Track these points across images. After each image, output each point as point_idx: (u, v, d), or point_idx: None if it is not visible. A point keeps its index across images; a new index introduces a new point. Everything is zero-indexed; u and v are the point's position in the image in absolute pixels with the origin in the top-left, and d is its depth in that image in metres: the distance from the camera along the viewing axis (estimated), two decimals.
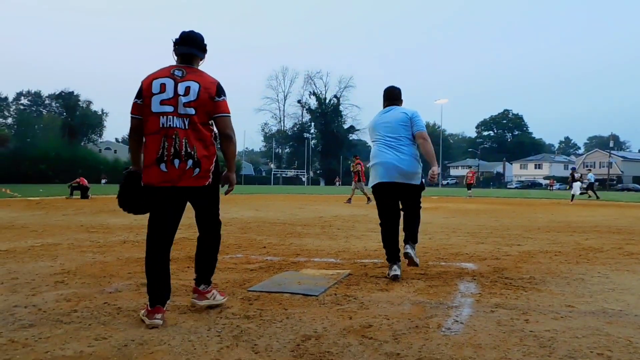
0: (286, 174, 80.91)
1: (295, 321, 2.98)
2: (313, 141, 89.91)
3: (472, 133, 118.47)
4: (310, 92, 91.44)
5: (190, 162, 3.01)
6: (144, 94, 3.05)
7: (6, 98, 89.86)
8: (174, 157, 2.99)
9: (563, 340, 2.67)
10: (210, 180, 3.11)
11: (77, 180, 19.74)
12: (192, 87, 3.02)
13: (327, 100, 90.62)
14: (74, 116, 77.07)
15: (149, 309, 2.94)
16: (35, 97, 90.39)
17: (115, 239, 6.77)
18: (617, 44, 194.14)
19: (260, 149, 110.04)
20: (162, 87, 3.01)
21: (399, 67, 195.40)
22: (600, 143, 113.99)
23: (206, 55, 3.28)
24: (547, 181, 69.73)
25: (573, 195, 22.39)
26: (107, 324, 2.89)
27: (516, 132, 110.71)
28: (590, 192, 26.18)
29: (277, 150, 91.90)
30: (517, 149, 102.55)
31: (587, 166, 63.08)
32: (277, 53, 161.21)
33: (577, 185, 22.55)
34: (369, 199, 16.91)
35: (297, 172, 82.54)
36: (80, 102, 79.11)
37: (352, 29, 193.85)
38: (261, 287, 3.85)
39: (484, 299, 3.59)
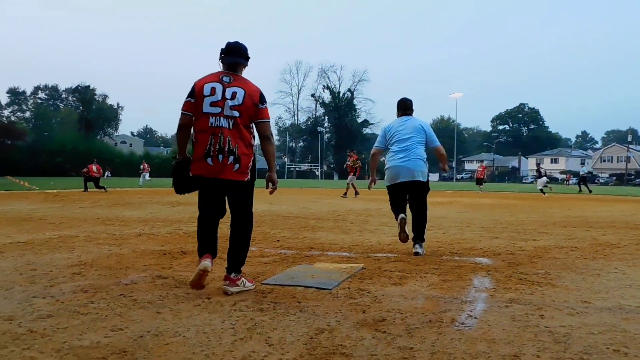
0: (300, 168, 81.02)
1: (308, 314, 2.99)
2: (327, 135, 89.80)
3: (487, 127, 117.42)
4: (324, 85, 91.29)
5: (231, 157, 3.41)
6: (196, 94, 3.45)
7: (24, 92, 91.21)
8: (219, 152, 3.40)
9: (578, 337, 2.65)
10: (248, 176, 3.52)
11: (86, 169, 19.10)
12: (238, 92, 3.44)
13: (341, 94, 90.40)
14: (90, 110, 77.86)
15: (199, 258, 3.43)
16: (52, 91, 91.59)
17: (131, 232, 6.85)
18: (637, 36, 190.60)
19: (274, 143, 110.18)
20: (212, 91, 3.42)
21: (413, 61, 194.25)
22: (618, 137, 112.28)
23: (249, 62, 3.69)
24: (564, 176, 68.90)
25: (542, 190, 23.08)
26: (123, 315, 2.93)
27: (532, 126, 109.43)
28: (583, 186, 26.87)
29: (290, 144, 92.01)
30: (533, 144, 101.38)
31: (604, 160, 62.14)
32: (290, 47, 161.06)
33: (541, 181, 23.49)
34: (357, 192, 17.19)
35: (311, 166, 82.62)
36: (96, 96, 79.87)
37: (367, 23, 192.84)
38: (275, 280, 3.87)
39: (498, 294, 3.57)
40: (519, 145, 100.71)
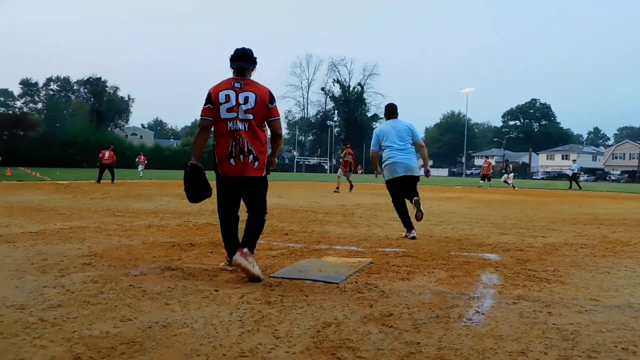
0: (309, 162, 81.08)
1: (315, 308, 3.01)
2: (336, 129, 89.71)
3: (497, 122, 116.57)
4: (334, 79, 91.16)
5: (251, 157, 3.78)
6: (213, 102, 3.76)
7: (36, 83, 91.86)
8: (240, 153, 3.75)
9: (587, 334, 2.63)
10: (264, 172, 3.90)
11: (100, 154, 18.91)
12: (250, 97, 3.76)
13: (351, 88, 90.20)
14: (102, 102, 78.37)
15: (229, 259, 3.90)
16: (64, 83, 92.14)
17: (141, 223, 6.90)
18: None
19: (283, 137, 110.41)
20: (227, 98, 3.75)
21: (423, 56, 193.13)
22: (631, 134, 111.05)
23: (256, 66, 3.98)
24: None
25: (513, 186, 24.95)
26: (132, 306, 2.96)
27: (543, 122, 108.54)
28: (574, 182, 27.95)
29: (300, 138, 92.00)
30: (544, 139, 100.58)
31: (616, 157, 61.52)
32: (301, 40, 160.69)
33: (507, 176, 25.54)
34: (352, 186, 17.11)
35: (320, 160, 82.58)
36: (107, 88, 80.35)
37: (378, 16, 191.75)
38: (283, 274, 3.88)
39: (506, 291, 3.56)
40: (530, 141, 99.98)
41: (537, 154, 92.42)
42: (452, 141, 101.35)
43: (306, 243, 5.53)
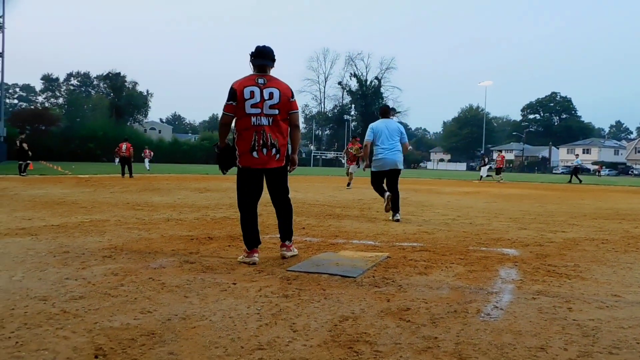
0: (326, 156, 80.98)
1: (333, 302, 3.01)
2: (353, 123, 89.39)
3: (517, 116, 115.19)
4: (351, 73, 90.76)
5: (274, 150, 4.01)
6: (238, 98, 3.92)
7: (57, 79, 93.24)
8: (263, 146, 3.97)
9: (608, 330, 2.60)
10: (284, 162, 4.14)
11: (117, 148, 18.95)
12: (274, 92, 3.98)
13: (368, 82, 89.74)
14: (121, 97, 79.16)
15: (247, 251, 4.01)
16: (84, 78, 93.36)
17: (160, 217, 6.97)
18: None
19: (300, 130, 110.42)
20: (252, 94, 3.93)
21: (441, 49, 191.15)
22: None
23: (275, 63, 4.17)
24: (595, 167, 67.13)
25: (481, 176, 27.02)
26: (152, 298, 2.99)
27: (564, 116, 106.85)
28: (574, 177, 28.34)
29: (317, 132, 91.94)
30: (565, 133, 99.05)
31: (638, 151, 60.36)
32: (318, 34, 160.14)
33: (484, 169, 27.22)
34: (349, 183, 16.37)
35: (337, 154, 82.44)
36: (126, 83, 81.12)
37: (395, 10, 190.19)
38: (300, 268, 3.89)
39: (525, 286, 3.52)
40: (550, 135, 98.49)
41: (558, 148, 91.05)
42: (471, 135, 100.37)
43: (323, 237, 5.54)
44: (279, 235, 4.41)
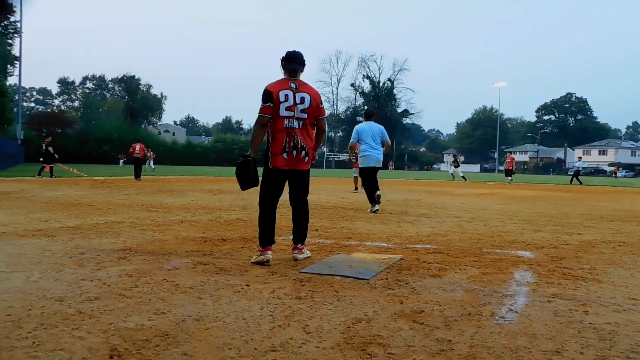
0: (339, 158, 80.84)
1: (346, 304, 3.00)
2: None
3: (531, 117, 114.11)
4: (363, 75, 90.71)
5: (303, 152, 4.18)
6: (274, 100, 4.06)
7: (73, 82, 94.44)
8: (293, 148, 4.13)
9: (625, 334, 2.56)
10: (310, 165, 4.32)
11: (131, 149, 18.78)
12: (305, 97, 4.17)
13: (381, 84, 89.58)
14: (135, 99, 80.00)
15: (261, 249, 4.07)
16: (100, 81, 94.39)
17: (174, 218, 7.02)
18: None
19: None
20: (286, 97, 4.10)
21: (454, 50, 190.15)
22: None
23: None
24: (612, 168, 66.26)
25: (453, 175, 28.46)
26: (166, 299, 3.01)
27: (579, 117, 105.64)
28: (575, 179, 28.57)
29: (329, 134, 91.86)
30: (580, 134, 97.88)
31: None
32: (330, 36, 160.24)
33: (456, 170, 28.58)
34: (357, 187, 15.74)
35: (350, 156, 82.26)
36: (140, 86, 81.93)
37: (408, 10, 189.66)
38: (313, 269, 3.89)
39: (540, 289, 3.48)
40: (565, 136, 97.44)
41: (573, 149, 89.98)
42: (484, 136, 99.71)
43: (336, 239, 5.54)
44: (291, 237, 4.42)
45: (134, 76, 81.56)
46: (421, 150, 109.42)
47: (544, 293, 3.36)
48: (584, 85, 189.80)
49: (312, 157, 4.30)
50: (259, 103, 4.11)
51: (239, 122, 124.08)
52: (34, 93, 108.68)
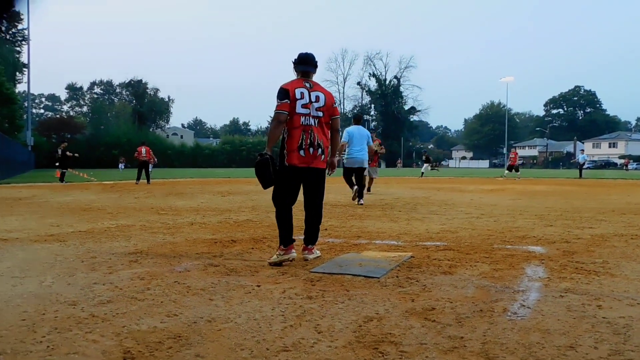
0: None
1: (357, 302, 3.00)
2: (373, 123, 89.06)
3: (539, 111, 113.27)
4: (369, 73, 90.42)
5: (319, 150, 4.19)
6: (291, 97, 4.07)
7: (81, 87, 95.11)
8: (310, 146, 4.14)
9: (639, 328, 2.54)
10: (326, 164, 4.34)
11: (136, 153, 18.49)
12: (320, 96, 4.21)
13: (387, 82, 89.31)
14: (143, 103, 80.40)
15: (284, 248, 4.10)
16: (107, 86, 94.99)
17: (184, 221, 7.05)
18: None
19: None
20: (302, 95, 4.12)
21: (461, 45, 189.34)
22: None
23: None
24: (623, 160, 65.61)
25: (422, 173, 29.36)
26: (178, 301, 3.03)
27: (588, 110, 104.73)
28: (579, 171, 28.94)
29: None
30: (590, 127, 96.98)
31: None
32: (336, 35, 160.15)
33: (425, 166, 29.91)
34: (369, 187, 14.68)
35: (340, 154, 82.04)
36: (148, 90, 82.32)
37: (413, 7, 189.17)
38: (323, 269, 3.89)
39: (552, 284, 3.46)
40: (574, 129, 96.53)
41: (582, 143, 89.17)
42: (493, 132, 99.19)
43: (346, 238, 5.53)
44: (301, 237, 4.43)
45: (141, 80, 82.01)
46: (429, 147, 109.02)
47: (557, 288, 3.34)
48: (593, 78, 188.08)
49: (327, 155, 4.31)
50: (266, 104, 4.14)
51: (246, 124, 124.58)
52: (43, 99, 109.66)
